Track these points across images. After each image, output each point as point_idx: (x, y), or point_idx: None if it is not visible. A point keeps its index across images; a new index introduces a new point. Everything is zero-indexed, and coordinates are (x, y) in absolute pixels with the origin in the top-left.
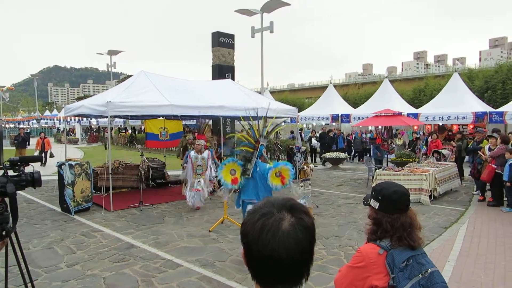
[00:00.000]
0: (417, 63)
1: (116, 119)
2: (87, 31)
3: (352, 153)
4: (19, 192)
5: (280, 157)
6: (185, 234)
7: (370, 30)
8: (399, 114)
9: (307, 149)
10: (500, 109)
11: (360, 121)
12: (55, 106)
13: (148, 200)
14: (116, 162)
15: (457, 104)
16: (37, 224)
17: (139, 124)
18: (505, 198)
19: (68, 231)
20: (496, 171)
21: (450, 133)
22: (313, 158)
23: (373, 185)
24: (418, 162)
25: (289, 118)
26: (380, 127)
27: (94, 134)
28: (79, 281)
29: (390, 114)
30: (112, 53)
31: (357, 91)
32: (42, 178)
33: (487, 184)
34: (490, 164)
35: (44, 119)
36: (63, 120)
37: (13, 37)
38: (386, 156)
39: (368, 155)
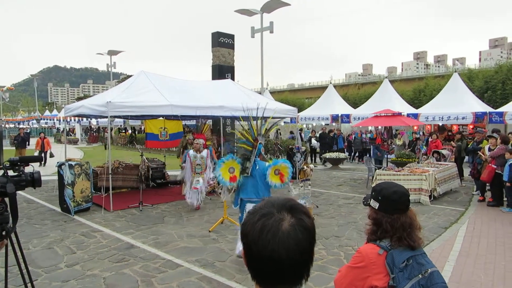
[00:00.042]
0: (417, 63)
1: (116, 119)
2: (87, 31)
3: (353, 153)
4: (19, 192)
5: (280, 157)
6: (185, 234)
7: (370, 30)
8: (399, 114)
9: (307, 149)
10: (500, 109)
11: (360, 121)
12: (55, 106)
13: (148, 200)
14: (116, 162)
15: (457, 104)
16: (37, 224)
17: (139, 124)
18: (505, 198)
19: (68, 231)
20: (496, 171)
21: (450, 133)
22: (313, 158)
23: (373, 185)
24: (418, 162)
25: (289, 118)
26: (380, 127)
27: (94, 134)
28: (79, 281)
29: (390, 114)
30: (112, 53)
31: (357, 91)
32: (42, 178)
33: (487, 184)
34: (490, 164)
35: (44, 119)
36: (63, 120)
37: (13, 37)
38: (386, 156)
39: (368, 155)
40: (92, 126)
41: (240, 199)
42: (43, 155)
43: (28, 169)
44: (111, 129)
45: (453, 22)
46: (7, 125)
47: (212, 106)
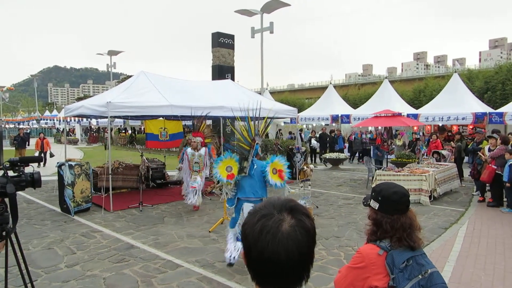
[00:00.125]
0: (417, 64)
1: (116, 120)
2: (87, 31)
3: (354, 154)
4: (19, 192)
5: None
6: (185, 235)
7: (370, 30)
8: (399, 114)
9: (307, 150)
10: (499, 110)
11: (360, 122)
12: (55, 107)
13: (148, 201)
14: (116, 163)
15: (457, 104)
16: (37, 224)
17: (139, 124)
18: (504, 199)
19: (68, 232)
20: (496, 171)
21: (449, 133)
22: (313, 158)
23: (373, 185)
24: (418, 163)
25: (289, 119)
26: (380, 127)
27: (94, 134)
28: (79, 281)
29: (390, 115)
30: (112, 53)
31: (357, 91)
32: (42, 178)
33: (487, 184)
34: (490, 165)
35: (44, 120)
36: (63, 121)
37: (13, 37)
38: (386, 156)
39: (368, 156)
40: (92, 127)
41: (237, 198)
42: (42, 155)
43: (28, 170)
44: (111, 130)
45: (453, 22)
46: (7, 125)
47: (212, 107)
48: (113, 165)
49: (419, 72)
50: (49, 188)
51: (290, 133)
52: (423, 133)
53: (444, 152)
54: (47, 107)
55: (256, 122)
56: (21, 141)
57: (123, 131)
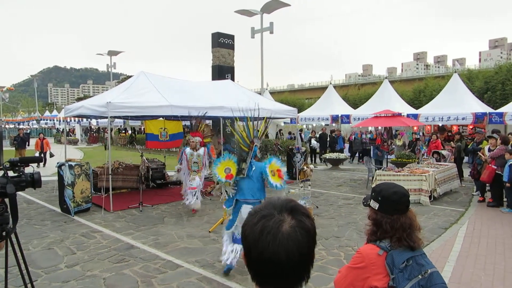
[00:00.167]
0: (417, 64)
1: (116, 120)
2: (87, 32)
3: (354, 154)
4: (19, 192)
5: (280, 158)
6: (185, 235)
7: (370, 30)
8: (399, 114)
9: (306, 150)
10: (499, 110)
11: (360, 122)
12: (55, 107)
13: (148, 201)
14: (116, 163)
15: (457, 104)
16: (37, 224)
17: (139, 124)
18: (504, 199)
19: (68, 232)
20: (496, 171)
21: (449, 134)
22: (313, 158)
23: (372, 185)
24: (418, 163)
25: (289, 119)
26: (380, 127)
27: (94, 134)
28: (79, 281)
29: (390, 115)
30: (112, 53)
31: (357, 91)
32: (42, 178)
33: (487, 184)
34: (490, 165)
35: (44, 120)
36: (63, 121)
37: (13, 37)
38: (386, 156)
39: (368, 156)
40: (92, 127)
41: (235, 200)
42: (42, 155)
43: (28, 170)
44: (111, 130)
45: (453, 22)
46: (7, 126)
47: (212, 107)
48: (113, 165)
49: (419, 72)
50: (49, 188)
51: (289, 133)
52: (423, 133)
53: (444, 152)
54: (47, 107)
55: (255, 123)
56: (21, 141)
57: (123, 131)
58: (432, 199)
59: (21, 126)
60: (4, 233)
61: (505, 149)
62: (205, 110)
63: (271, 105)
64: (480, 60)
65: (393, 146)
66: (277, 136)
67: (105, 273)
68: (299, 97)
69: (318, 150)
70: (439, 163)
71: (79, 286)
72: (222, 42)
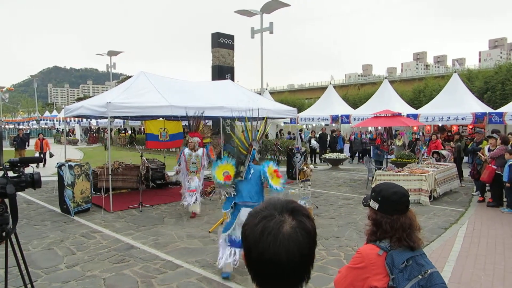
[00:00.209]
0: (417, 64)
1: (116, 120)
2: (86, 32)
3: (354, 154)
4: (18, 193)
5: (280, 158)
6: (185, 235)
7: (370, 31)
8: (399, 114)
9: (306, 150)
10: (499, 110)
11: (360, 122)
12: (54, 107)
13: (147, 201)
14: (116, 163)
15: (457, 104)
16: (37, 225)
17: (138, 125)
18: (504, 199)
19: (68, 232)
20: (496, 171)
21: (449, 134)
22: (313, 159)
23: (372, 185)
24: (417, 163)
25: (289, 119)
26: (379, 128)
27: (94, 135)
28: (79, 282)
29: (389, 115)
30: (112, 53)
31: (356, 91)
32: (42, 179)
33: (487, 184)
34: (489, 165)
35: (43, 120)
36: (63, 121)
37: (13, 37)
38: (386, 156)
39: (368, 156)
40: (92, 127)
41: (234, 203)
42: (42, 156)
43: (28, 170)
44: (111, 130)
45: (453, 22)
46: (6, 126)
47: (212, 107)
48: (113, 165)
49: (419, 72)
50: (49, 189)
51: (288, 133)
52: (422, 133)
53: (444, 152)
54: (47, 108)
55: (255, 123)
56: (20, 142)
57: (123, 132)
58: (432, 199)
59: (21, 127)
60: (4, 234)
61: (505, 149)
62: (206, 110)
63: (271, 105)
64: (480, 60)
65: (393, 146)
66: (277, 136)
67: (105, 274)
68: (299, 97)
69: (318, 150)
70: (439, 163)
71: (79, 286)
72: (222, 42)
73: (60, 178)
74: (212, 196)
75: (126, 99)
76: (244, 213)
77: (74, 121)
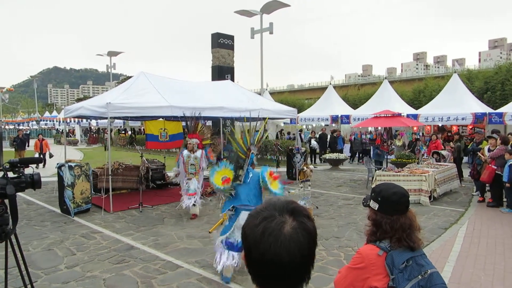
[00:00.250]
0: (417, 64)
1: (116, 120)
2: (86, 32)
3: (355, 155)
4: (18, 193)
5: (280, 158)
6: (185, 235)
7: (370, 31)
8: (399, 115)
9: (306, 150)
10: (499, 110)
11: (360, 122)
12: (54, 108)
13: (147, 202)
14: (116, 164)
15: (457, 105)
16: (37, 225)
17: (138, 125)
18: (504, 199)
19: (67, 233)
20: (496, 172)
21: (449, 134)
22: (313, 159)
23: (372, 186)
24: (417, 163)
25: (289, 119)
26: (379, 128)
27: (94, 135)
28: (79, 282)
29: (389, 115)
30: (111, 54)
31: (356, 92)
32: (42, 179)
33: (487, 185)
34: (489, 165)
35: (43, 121)
36: (63, 122)
37: (12, 38)
38: (386, 157)
39: (368, 156)
40: (92, 127)
41: (233, 207)
42: (41, 156)
43: (28, 171)
44: (111, 130)
45: (452, 22)
46: (6, 127)
47: (212, 107)
48: (113, 166)
49: (418, 73)
50: (49, 189)
51: (288, 133)
52: (422, 133)
53: (444, 152)
54: (47, 108)
55: (253, 127)
56: (20, 142)
57: (123, 132)
58: (432, 199)
59: (21, 127)
60: (4, 234)
61: (505, 149)
62: (199, 110)
63: (270, 106)
64: (479, 60)
65: (393, 147)
66: (277, 137)
67: (105, 274)
68: (299, 98)
69: (318, 151)
70: (439, 163)
71: (79, 287)
72: (222, 43)
73: (60, 178)
74: (212, 197)
75: (126, 100)
76: (244, 216)
77: (74, 121)
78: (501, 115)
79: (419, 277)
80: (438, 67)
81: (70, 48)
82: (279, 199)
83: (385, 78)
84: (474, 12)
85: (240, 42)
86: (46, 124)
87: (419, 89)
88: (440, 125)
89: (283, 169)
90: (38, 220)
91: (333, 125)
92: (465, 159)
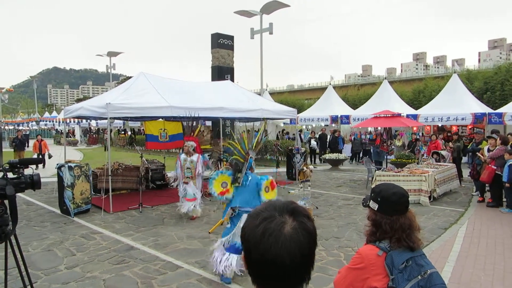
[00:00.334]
0: (417, 64)
1: (116, 121)
2: (86, 32)
3: (355, 155)
4: (18, 194)
5: (280, 159)
6: (185, 236)
7: (370, 31)
8: (399, 115)
9: (306, 150)
10: (499, 110)
11: (360, 122)
12: (54, 108)
13: (147, 202)
14: (116, 164)
15: (456, 105)
16: (37, 226)
17: (138, 125)
18: (504, 199)
19: (67, 233)
20: (496, 172)
21: (449, 134)
22: (313, 159)
23: (372, 186)
24: (417, 163)
25: (289, 120)
26: (379, 128)
27: (94, 135)
28: (79, 283)
29: (389, 115)
30: (111, 54)
31: (356, 92)
32: (41, 180)
33: (486, 185)
34: (489, 165)
35: (43, 121)
36: (63, 122)
37: (12, 38)
38: (385, 157)
39: (368, 156)
40: (92, 128)
41: (235, 209)
42: (40, 157)
43: (27, 171)
44: (111, 131)
45: (452, 22)
46: (6, 127)
47: (212, 108)
48: (113, 166)
49: (418, 73)
50: (48, 190)
51: (287, 133)
52: (422, 133)
53: (443, 152)
54: (46, 109)
55: (252, 131)
56: (19, 143)
57: (123, 132)
58: (431, 199)
59: (20, 128)
60: (3, 235)
61: (505, 149)
62: (199, 111)
63: (270, 106)
64: (479, 60)
65: (393, 147)
66: (277, 137)
67: (105, 275)
68: (299, 98)
69: (317, 151)
70: (439, 163)
71: (79, 287)
72: (222, 43)
73: (60, 179)
74: (212, 198)
75: (126, 100)
76: (244, 219)
77: (74, 122)
78: (500, 115)
79: (419, 277)
80: (437, 67)
81: (70, 48)
82: (279, 199)
83: (385, 78)
84: (474, 12)
85: (240, 42)
86: (45, 125)
87: (419, 89)
88: (439, 125)
89: (283, 169)
90: (38, 221)
91: (333, 125)
92: (465, 159)
